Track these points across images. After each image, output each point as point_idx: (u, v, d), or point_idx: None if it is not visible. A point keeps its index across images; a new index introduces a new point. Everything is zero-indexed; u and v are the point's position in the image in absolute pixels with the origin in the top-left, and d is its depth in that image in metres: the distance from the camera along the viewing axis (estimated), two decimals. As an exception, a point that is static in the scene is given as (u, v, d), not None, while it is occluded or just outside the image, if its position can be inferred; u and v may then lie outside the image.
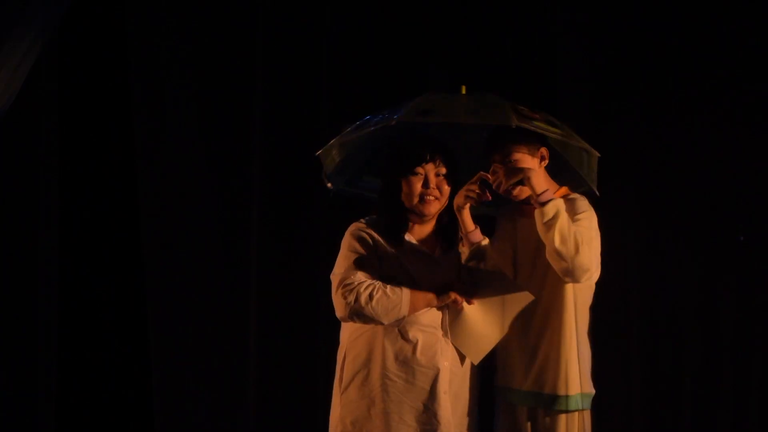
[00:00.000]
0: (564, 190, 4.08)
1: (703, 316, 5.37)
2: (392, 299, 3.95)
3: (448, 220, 4.09)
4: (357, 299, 3.96)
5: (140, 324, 5.98)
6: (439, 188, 4.05)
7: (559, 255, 3.85)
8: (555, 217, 3.83)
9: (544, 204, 3.86)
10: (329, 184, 4.24)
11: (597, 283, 5.38)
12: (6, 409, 5.90)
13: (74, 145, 6.07)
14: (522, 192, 4.01)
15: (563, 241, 3.84)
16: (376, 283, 3.98)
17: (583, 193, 4.12)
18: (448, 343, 4.02)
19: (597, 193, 4.16)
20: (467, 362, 4.07)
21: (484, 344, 4.03)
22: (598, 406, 5.38)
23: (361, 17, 5.82)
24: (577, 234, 3.85)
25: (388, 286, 3.98)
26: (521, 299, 3.99)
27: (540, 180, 3.92)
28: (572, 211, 3.96)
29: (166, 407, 5.94)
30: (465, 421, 4.06)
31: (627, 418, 5.42)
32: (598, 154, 4.14)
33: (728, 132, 5.35)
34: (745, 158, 5.34)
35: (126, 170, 6.02)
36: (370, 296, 3.96)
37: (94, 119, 6.09)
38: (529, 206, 4.05)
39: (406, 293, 3.98)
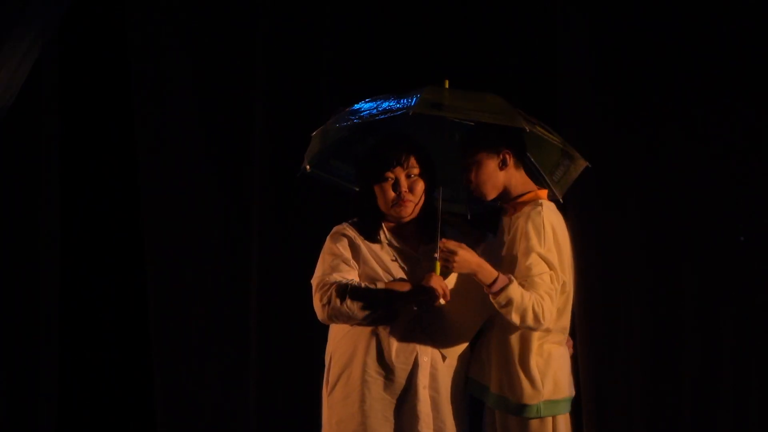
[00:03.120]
0: (536, 194, 4.09)
1: (703, 316, 5.36)
2: (367, 297, 3.97)
3: (426, 216, 4.10)
4: (330, 300, 3.99)
5: (141, 324, 5.98)
6: (411, 189, 4.06)
7: (525, 328, 3.95)
8: (509, 303, 3.88)
9: (496, 295, 3.89)
10: (308, 167, 4.24)
11: (597, 284, 5.43)
12: (7, 410, 5.91)
13: (75, 145, 6.08)
14: (481, 193, 4.07)
15: (522, 319, 3.89)
16: (350, 283, 4.00)
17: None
18: (428, 338, 4.03)
19: (560, 200, 4.21)
20: (452, 358, 4.07)
21: (459, 340, 4.05)
22: (598, 406, 5.41)
23: (361, 15, 5.82)
24: (535, 306, 3.88)
25: (363, 285, 4.00)
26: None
27: (485, 271, 3.92)
28: (519, 233, 3.97)
29: (168, 407, 5.95)
30: (449, 416, 4.06)
31: (627, 418, 5.42)
32: (586, 164, 4.16)
33: (729, 132, 5.34)
34: (746, 159, 5.34)
35: (127, 170, 6.02)
36: (344, 296, 3.98)
37: (94, 119, 6.10)
38: (507, 205, 4.10)
39: (380, 290, 3.99)
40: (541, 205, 4.02)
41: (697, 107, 5.36)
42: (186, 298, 5.97)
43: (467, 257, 3.91)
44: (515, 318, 3.87)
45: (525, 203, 4.05)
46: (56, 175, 6.01)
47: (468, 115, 3.98)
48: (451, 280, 4.02)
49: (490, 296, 3.89)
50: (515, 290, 3.87)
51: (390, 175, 4.05)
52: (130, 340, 6.09)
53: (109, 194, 6.10)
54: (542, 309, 3.88)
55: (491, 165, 4.05)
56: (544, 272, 3.93)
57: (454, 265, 3.90)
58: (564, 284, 3.99)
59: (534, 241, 3.94)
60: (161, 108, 5.98)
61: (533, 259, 3.92)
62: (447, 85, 4.09)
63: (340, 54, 5.82)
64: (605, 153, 5.43)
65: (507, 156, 4.07)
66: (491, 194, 4.07)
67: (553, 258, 3.95)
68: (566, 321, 4.07)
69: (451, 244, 3.92)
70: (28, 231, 5.95)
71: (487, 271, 3.91)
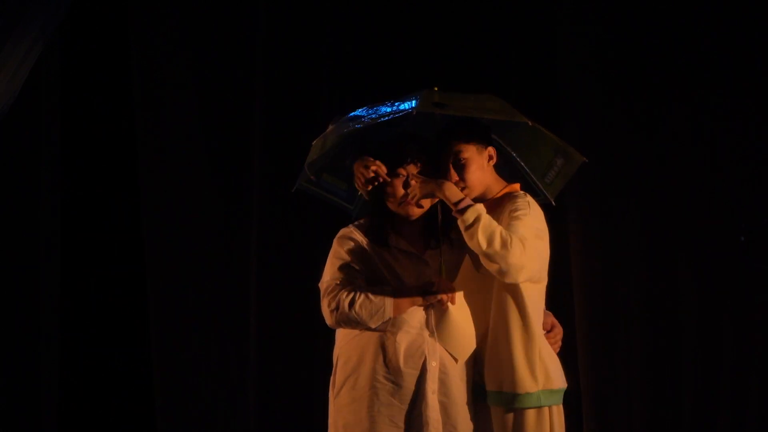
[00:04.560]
0: (513, 186, 4.09)
1: (703, 316, 5.36)
2: (375, 302, 3.96)
3: (434, 217, 4.09)
4: (339, 306, 3.99)
5: (142, 324, 5.98)
6: None
7: (489, 257, 3.85)
8: (475, 222, 3.83)
9: (463, 212, 3.85)
10: (312, 176, 4.24)
11: (598, 283, 5.43)
12: (8, 410, 5.91)
13: (75, 145, 6.08)
14: (469, 192, 4.03)
15: (489, 242, 3.82)
16: (357, 288, 3.99)
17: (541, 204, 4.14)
18: (436, 343, 4.02)
19: (552, 203, 4.20)
20: (461, 361, 4.07)
21: (469, 341, 4.04)
22: (598, 405, 5.42)
23: (360, 16, 5.82)
24: (503, 232, 3.83)
25: (371, 290, 3.99)
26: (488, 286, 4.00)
27: (453, 190, 3.91)
28: (511, 209, 3.96)
29: (167, 408, 5.95)
30: (460, 421, 4.05)
31: (627, 417, 5.42)
32: (583, 159, 4.16)
33: (730, 132, 5.34)
34: (747, 159, 5.34)
35: (127, 170, 6.02)
36: (352, 302, 3.97)
37: (95, 119, 6.10)
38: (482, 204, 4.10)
39: (387, 295, 3.99)
40: (524, 194, 4.04)
41: (698, 106, 5.36)
42: (186, 298, 5.97)
43: (426, 180, 3.92)
44: (481, 239, 3.80)
45: (501, 198, 4.05)
46: (56, 175, 6.01)
47: (471, 113, 3.98)
48: (458, 283, 4.02)
49: (456, 215, 3.86)
50: (483, 211, 3.84)
51: (402, 171, 4.04)
52: (130, 341, 6.09)
53: (109, 194, 6.11)
54: (510, 239, 3.83)
55: (480, 161, 4.05)
56: (523, 231, 3.89)
57: (418, 190, 3.91)
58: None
59: (520, 212, 3.93)
60: (162, 108, 5.99)
61: (516, 221, 3.90)
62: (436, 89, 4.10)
63: (341, 54, 5.82)
64: (605, 152, 5.44)
65: (492, 153, 4.07)
66: (476, 192, 4.05)
67: (538, 225, 3.94)
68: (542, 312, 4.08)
69: (413, 177, 3.95)
70: (28, 231, 5.95)
71: (453, 189, 3.90)
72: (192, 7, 5.98)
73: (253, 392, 5.88)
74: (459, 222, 3.87)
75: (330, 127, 4.12)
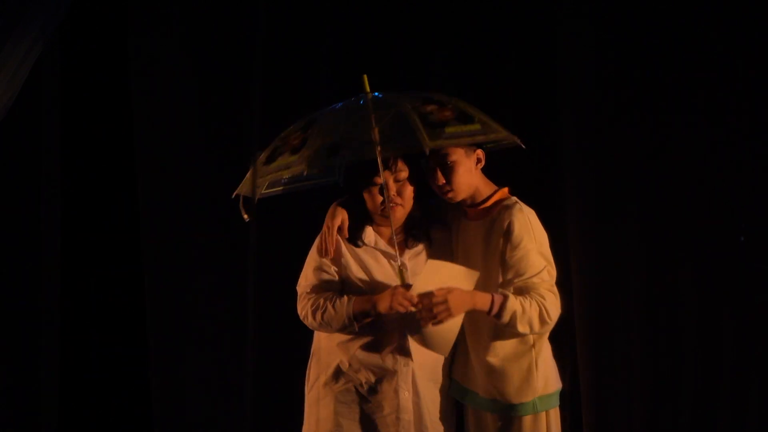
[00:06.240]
0: (503, 192, 4.07)
1: (703, 316, 5.36)
2: (338, 313, 3.99)
3: (414, 221, 4.09)
4: (306, 316, 4.09)
5: (140, 325, 5.98)
6: (400, 194, 4.04)
7: (539, 333, 3.96)
8: (513, 318, 3.90)
9: (499, 316, 3.89)
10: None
11: (598, 283, 5.43)
12: (8, 409, 5.91)
13: (76, 145, 6.08)
14: (456, 195, 4.01)
15: (531, 327, 3.92)
16: (323, 298, 4.02)
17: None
18: (407, 342, 4.02)
19: (426, 152, 3.98)
20: (433, 361, 4.07)
21: (448, 335, 4.01)
22: (598, 405, 5.41)
23: (360, 16, 5.81)
24: (540, 308, 3.89)
25: (337, 300, 4.00)
26: (470, 278, 3.97)
27: (480, 300, 3.91)
28: (508, 236, 3.95)
29: (165, 409, 5.95)
30: (435, 421, 4.05)
31: (627, 418, 5.42)
32: (518, 143, 4.06)
33: (730, 132, 5.34)
34: (747, 159, 5.33)
35: (127, 170, 6.02)
36: (315, 312, 4.05)
37: (95, 119, 6.10)
38: (472, 209, 4.06)
39: (350, 305, 3.99)
40: (516, 202, 4.02)
41: (698, 107, 5.36)
42: (184, 298, 5.97)
43: (457, 300, 3.88)
44: (523, 329, 3.88)
45: (495, 204, 4.03)
46: (56, 175, 6.01)
47: (474, 139, 3.94)
48: (427, 283, 3.98)
49: (495, 320, 3.88)
50: (515, 303, 3.86)
51: (378, 180, 4.03)
52: (130, 341, 6.08)
53: (109, 194, 6.10)
54: (546, 310, 3.87)
55: (468, 164, 4.04)
56: (542, 270, 3.91)
57: (453, 312, 3.88)
58: None
59: (525, 240, 3.93)
60: (161, 108, 5.98)
61: (530, 259, 3.91)
62: (367, 85, 4.05)
63: (341, 54, 5.82)
64: (605, 152, 5.43)
65: (481, 155, 4.06)
66: (464, 195, 4.04)
67: (547, 251, 3.95)
68: None
69: (439, 296, 3.87)
70: (28, 231, 5.95)
71: (481, 299, 3.91)
72: (192, 7, 5.98)
73: (251, 394, 5.87)
74: (497, 322, 3.91)
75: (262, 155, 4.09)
